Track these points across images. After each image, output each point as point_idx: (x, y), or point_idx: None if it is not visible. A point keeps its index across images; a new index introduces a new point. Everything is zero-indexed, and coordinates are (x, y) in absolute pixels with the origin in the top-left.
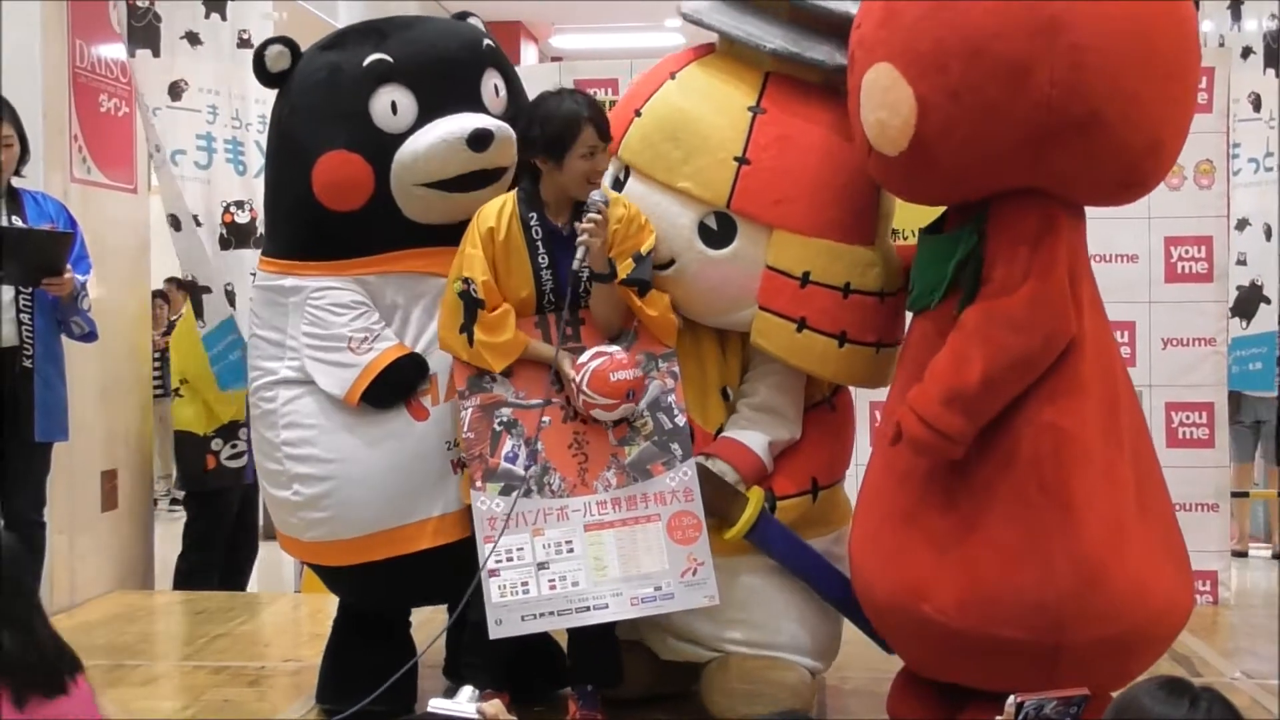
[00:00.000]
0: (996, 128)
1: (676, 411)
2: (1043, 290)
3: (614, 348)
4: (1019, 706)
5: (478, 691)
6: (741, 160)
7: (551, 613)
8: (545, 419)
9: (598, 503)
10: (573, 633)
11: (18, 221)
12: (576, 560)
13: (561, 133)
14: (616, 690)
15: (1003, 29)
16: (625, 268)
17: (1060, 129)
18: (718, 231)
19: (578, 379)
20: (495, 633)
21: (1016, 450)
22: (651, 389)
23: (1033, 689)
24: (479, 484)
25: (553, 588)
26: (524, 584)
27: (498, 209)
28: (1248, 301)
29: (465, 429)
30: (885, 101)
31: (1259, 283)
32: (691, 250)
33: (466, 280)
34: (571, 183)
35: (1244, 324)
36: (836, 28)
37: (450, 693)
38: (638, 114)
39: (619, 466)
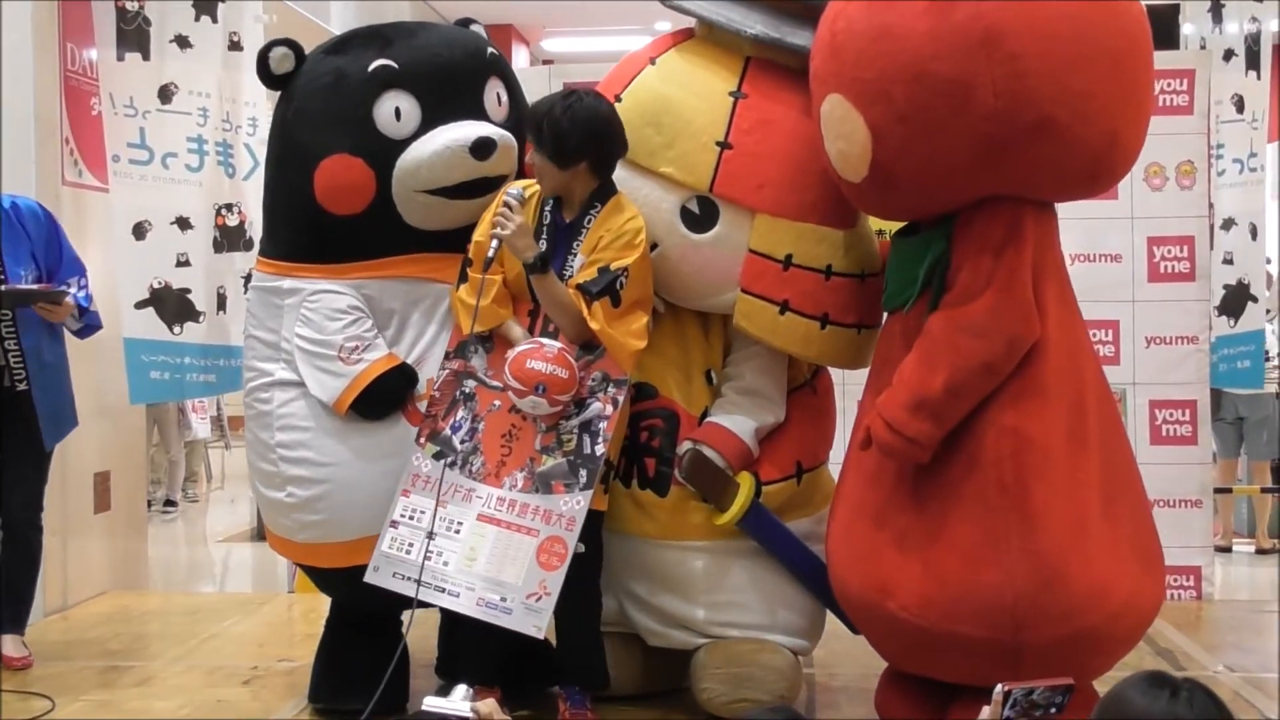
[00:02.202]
0: (949, 145)
1: (600, 440)
2: (1004, 297)
3: (552, 341)
4: (1007, 695)
5: (471, 690)
6: (724, 145)
7: (414, 580)
8: (496, 403)
9: (498, 498)
10: (560, 633)
11: None
12: (458, 543)
13: None
14: (605, 689)
15: (939, 50)
16: (588, 275)
17: (1013, 137)
18: (700, 215)
19: (507, 357)
20: (369, 577)
21: (979, 453)
22: (591, 409)
23: (998, 683)
24: (422, 440)
25: (428, 559)
26: (410, 545)
27: (526, 184)
28: (1235, 300)
29: (435, 387)
30: (841, 132)
31: (1246, 281)
32: (674, 234)
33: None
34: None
35: (1231, 322)
36: (817, 13)
37: (444, 691)
38: (618, 99)
39: (530, 472)
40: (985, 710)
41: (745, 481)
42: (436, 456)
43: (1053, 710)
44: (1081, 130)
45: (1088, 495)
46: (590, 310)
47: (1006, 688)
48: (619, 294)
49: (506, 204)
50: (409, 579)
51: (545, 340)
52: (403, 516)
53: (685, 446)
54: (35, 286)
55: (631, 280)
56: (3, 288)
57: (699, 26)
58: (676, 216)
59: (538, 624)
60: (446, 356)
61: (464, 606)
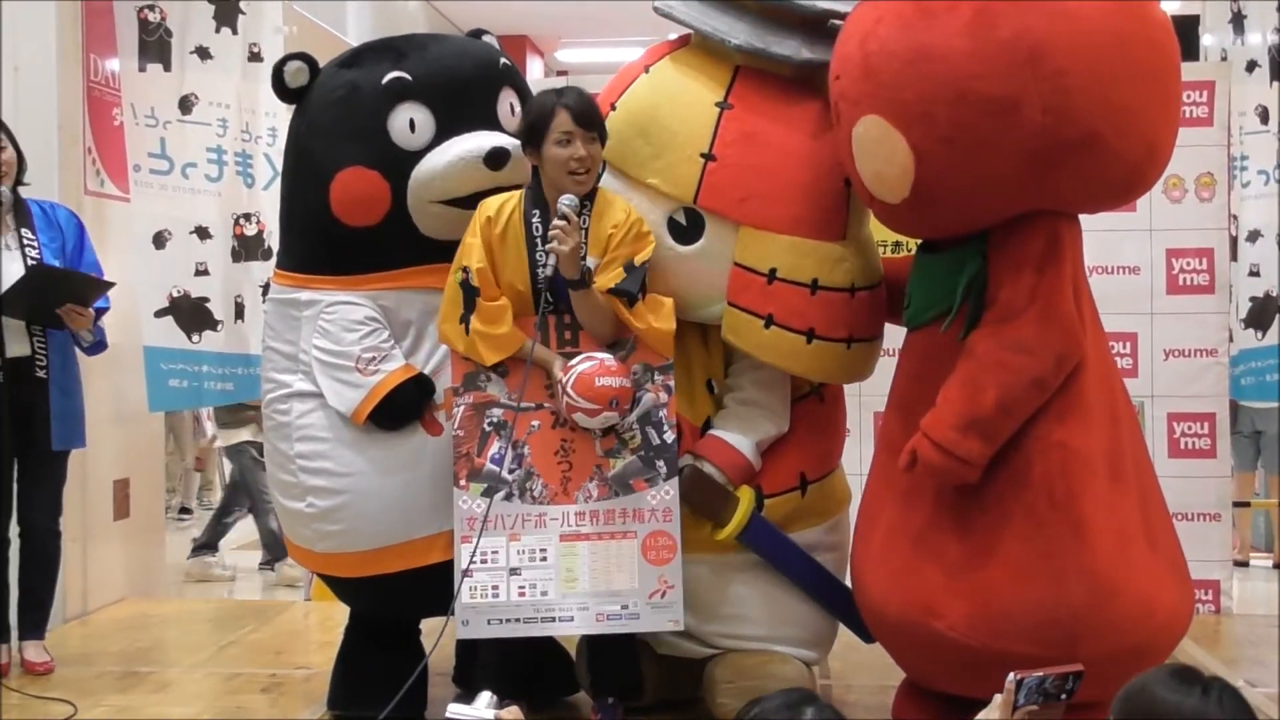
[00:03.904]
0: (995, 163)
1: (666, 427)
2: (1049, 313)
3: (606, 354)
4: (1020, 683)
5: (495, 697)
6: (708, 157)
7: (517, 619)
8: (535, 423)
9: (576, 513)
10: (590, 645)
11: (26, 234)
12: (548, 569)
13: (535, 121)
14: (640, 701)
15: (983, 69)
16: (615, 276)
17: (1059, 153)
18: (686, 227)
19: (564, 380)
20: (461, 633)
21: (1028, 470)
22: (644, 401)
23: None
24: (462, 483)
25: (522, 594)
26: (494, 588)
27: (501, 201)
28: (1262, 313)
29: (455, 426)
30: (879, 153)
31: (1273, 294)
32: (661, 246)
33: (464, 269)
34: (552, 171)
35: (1259, 335)
36: (805, 21)
37: (465, 698)
38: (613, 108)
39: (602, 479)
40: (997, 698)
41: (745, 496)
42: (486, 494)
43: (1063, 697)
44: (1123, 144)
45: (1129, 508)
46: (634, 311)
47: (1019, 676)
48: (647, 287)
49: (564, 216)
50: (506, 621)
51: (600, 355)
52: (473, 563)
53: (685, 461)
54: (82, 272)
55: (650, 269)
56: (55, 265)
57: (694, 35)
58: (663, 228)
59: (672, 618)
60: (455, 393)
61: (584, 627)
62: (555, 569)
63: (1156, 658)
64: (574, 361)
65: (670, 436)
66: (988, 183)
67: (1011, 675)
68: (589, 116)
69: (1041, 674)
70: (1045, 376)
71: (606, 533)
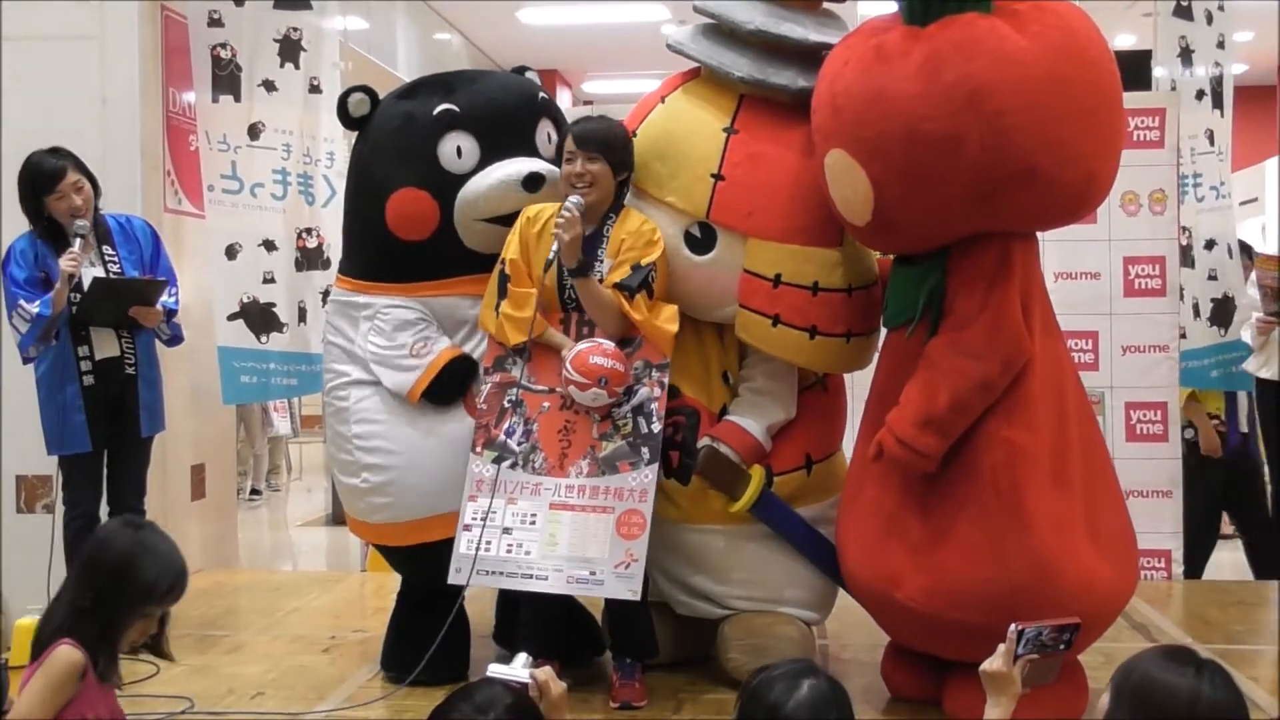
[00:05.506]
0: (943, 194)
1: (655, 419)
2: (998, 322)
3: (608, 341)
4: (1020, 633)
5: (531, 658)
6: (717, 176)
7: (501, 573)
8: (545, 404)
9: (566, 486)
10: (611, 612)
11: (107, 250)
12: (535, 532)
13: (558, 145)
14: (656, 658)
15: (931, 111)
16: (622, 274)
17: (1000, 184)
18: (701, 239)
19: (566, 356)
20: (452, 579)
21: (977, 463)
22: (639, 394)
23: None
24: (478, 449)
25: (509, 552)
26: (488, 543)
27: (542, 207)
28: (1222, 312)
29: (481, 400)
30: (846, 182)
31: (1230, 294)
32: (679, 256)
33: (502, 260)
34: (562, 183)
35: (1222, 332)
36: (800, 53)
37: (505, 659)
38: (634, 134)
39: (593, 458)
40: (1001, 647)
41: (756, 474)
42: (496, 461)
43: (1061, 647)
44: (1063, 174)
45: (1072, 496)
46: (633, 304)
47: (1020, 627)
48: (652, 286)
49: (568, 210)
50: (491, 573)
51: (600, 339)
52: (474, 519)
53: (704, 443)
54: (137, 276)
55: (659, 274)
56: (111, 276)
57: (703, 67)
58: (681, 240)
59: (632, 589)
60: (485, 372)
61: (555, 587)
62: (541, 532)
63: (1098, 628)
64: (579, 342)
65: (657, 427)
66: (938, 209)
67: (1013, 626)
68: (587, 139)
69: (1040, 625)
70: (993, 379)
71: (589, 506)
